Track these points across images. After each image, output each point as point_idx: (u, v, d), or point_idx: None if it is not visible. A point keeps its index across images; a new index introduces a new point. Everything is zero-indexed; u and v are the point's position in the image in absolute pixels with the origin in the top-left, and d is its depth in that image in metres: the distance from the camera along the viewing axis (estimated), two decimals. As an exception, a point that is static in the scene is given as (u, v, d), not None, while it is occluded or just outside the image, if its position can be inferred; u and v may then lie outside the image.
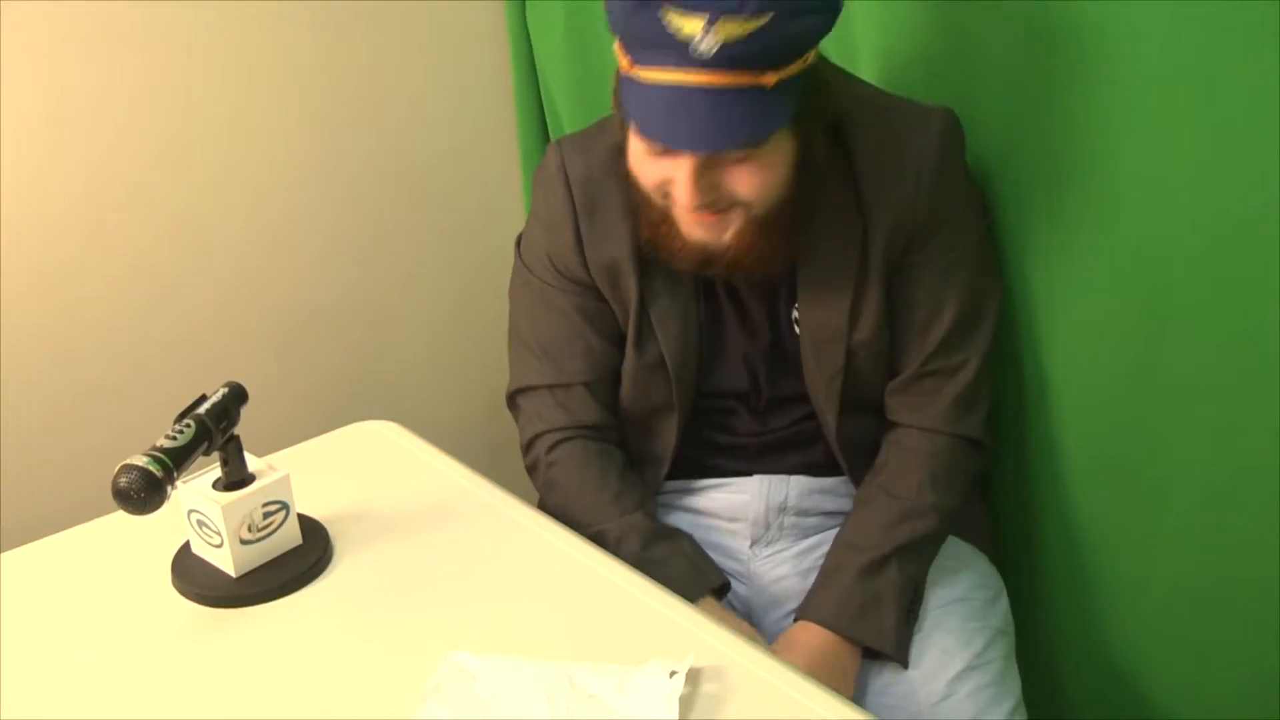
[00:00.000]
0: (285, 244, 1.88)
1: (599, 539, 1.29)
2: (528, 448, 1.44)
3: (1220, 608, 1.26)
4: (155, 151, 1.72)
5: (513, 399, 1.46)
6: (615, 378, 1.40)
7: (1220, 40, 1.06)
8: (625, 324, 1.36)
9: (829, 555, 1.33)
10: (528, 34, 1.95)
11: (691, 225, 1.21)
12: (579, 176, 1.32)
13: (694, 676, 1.05)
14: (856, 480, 1.38)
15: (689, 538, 1.35)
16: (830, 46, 1.22)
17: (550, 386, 1.40)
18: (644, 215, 1.25)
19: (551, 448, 1.40)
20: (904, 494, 1.31)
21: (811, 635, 1.27)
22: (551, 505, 1.40)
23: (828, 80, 1.19)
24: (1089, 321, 1.28)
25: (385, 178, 1.95)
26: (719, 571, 1.33)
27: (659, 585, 1.18)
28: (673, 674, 1.04)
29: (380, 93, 1.91)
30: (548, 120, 2.00)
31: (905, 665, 1.26)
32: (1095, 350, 1.28)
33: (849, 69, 1.34)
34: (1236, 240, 1.11)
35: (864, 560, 1.28)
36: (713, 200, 1.17)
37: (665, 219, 1.22)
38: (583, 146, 1.34)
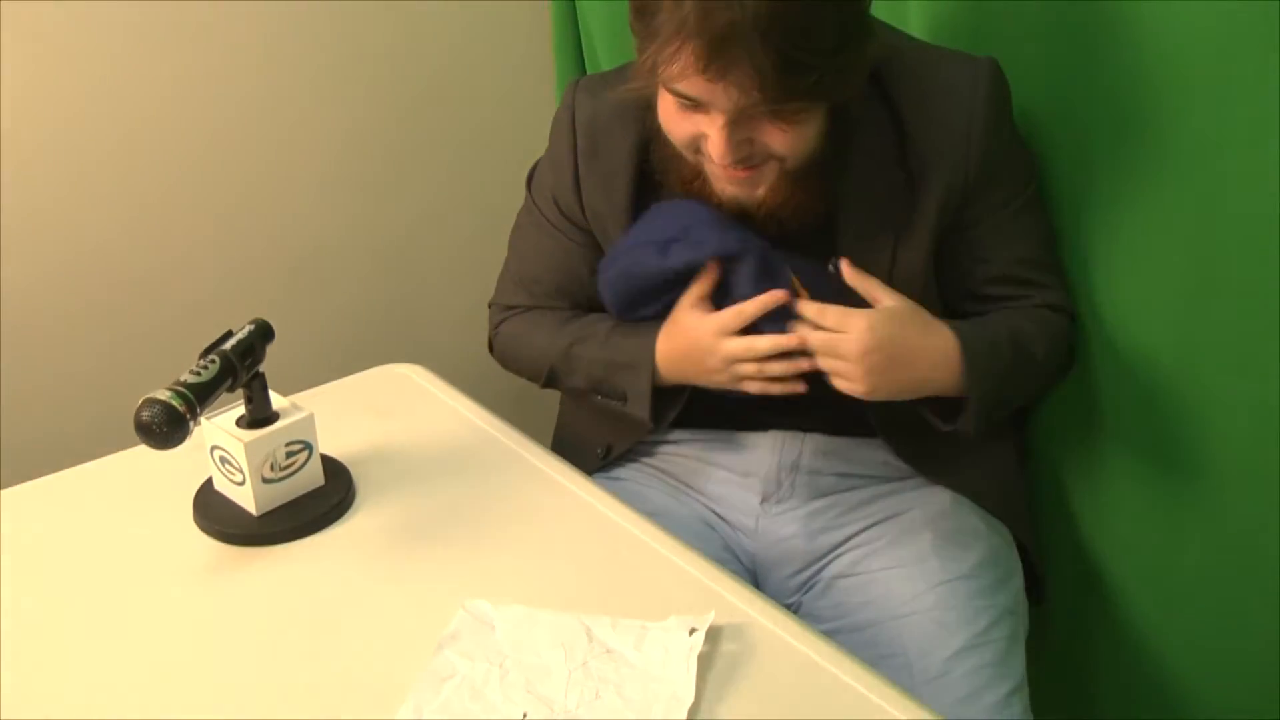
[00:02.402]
0: (317, 184, 1.88)
1: (556, 368, 1.39)
2: (491, 333, 1.51)
3: (1254, 590, 1.24)
4: (186, 92, 1.72)
5: (491, 308, 1.51)
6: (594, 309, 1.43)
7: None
8: None
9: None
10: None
11: (725, 181, 1.19)
12: (585, 119, 1.31)
13: (714, 634, 1.04)
14: (889, 442, 1.36)
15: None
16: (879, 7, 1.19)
17: (525, 306, 1.46)
18: (676, 171, 1.23)
19: (506, 320, 1.47)
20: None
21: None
22: (510, 360, 1.48)
23: (870, 21, 1.16)
24: (1132, 290, 1.26)
25: (416, 118, 1.94)
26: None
27: (679, 540, 1.17)
28: (692, 631, 1.03)
29: (414, 33, 1.89)
30: (585, 61, 1.97)
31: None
32: (1138, 320, 1.26)
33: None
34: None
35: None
36: (746, 155, 1.14)
37: (698, 175, 1.21)
38: (596, 90, 1.33)
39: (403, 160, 1.95)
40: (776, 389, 1.23)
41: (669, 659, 1.00)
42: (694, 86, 1.09)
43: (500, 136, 2.02)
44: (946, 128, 1.22)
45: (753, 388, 1.24)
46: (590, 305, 1.41)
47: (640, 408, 1.32)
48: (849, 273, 1.23)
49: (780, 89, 1.06)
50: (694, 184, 1.22)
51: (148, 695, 1.00)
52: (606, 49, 1.87)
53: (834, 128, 1.17)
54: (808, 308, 1.20)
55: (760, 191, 1.19)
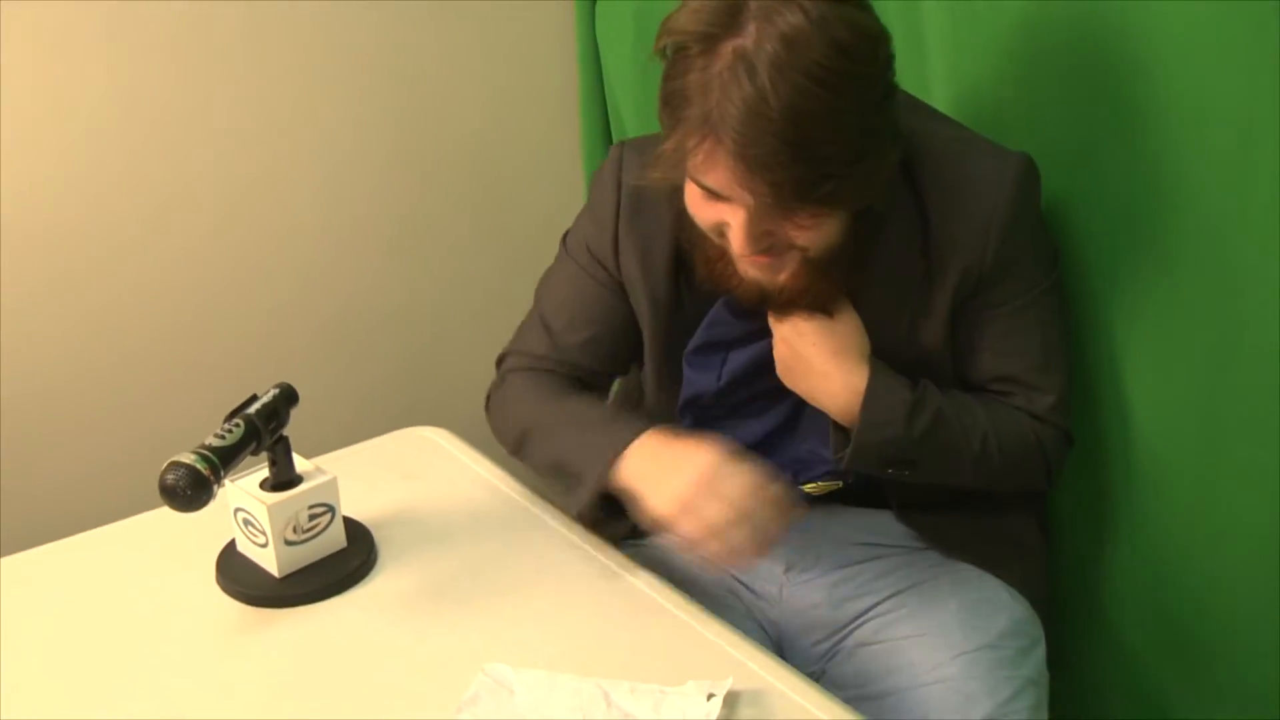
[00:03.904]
0: (342, 246, 1.89)
1: (524, 436, 1.33)
2: (489, 392, 1.44)
3: (1274, 663, 1.23)
4: (212, 150, 1.74)
5: (502, 359, 1.45)
6: (606, 375, 1.42)
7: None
8: (646, 331, 1.35)
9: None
10: (595, 37, 1.94)
11: (747, 265, 1.19)
12: (631, 180, 1.31)
13: (733, 700, 1.03)
14: (904, 518, 1.36)
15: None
16: (903, 78, 1.20)
17: (538, 356, 1.40)
18: (700, 251, 1.23)
19: (508, 375, 1.41)
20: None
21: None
22: (499, 416, 1.40)
23: (896, 122, 1.14)
24: (1155, 354, 1.26)
25: (445, 181, 1.95)
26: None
27: (701, 607, 1.17)
28: (710, 696, 1.02)
29: (444, 95, 1.91)
30: (611, 127, 1.99)
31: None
32: (1159, 394, 1.26)
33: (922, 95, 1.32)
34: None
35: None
36: (768, 246, 1.14)
37: (722, 256, 1.21)
38: (644, 151, 1.32)
39: (427, 224, 1.97)
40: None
41: None
42: (715, 181, 1.09)
43: (525, 198, 2.03)
44: (969, 221, 1.22)
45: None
46: (622, 362, 1.40)
47: (585, 494, 1.25)
48: None
49: (798, 193, 1.06)
50: (718, 264, 1.21)
51: (166, 758, 1.00)
52: (630, 105, 1.89)
53: (859, 221, 1.17)
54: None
55: (782, 277, 1.19)
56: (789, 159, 1.03)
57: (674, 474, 1.17)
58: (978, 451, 1.27)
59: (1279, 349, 1.12)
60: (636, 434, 1.22)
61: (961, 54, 1.38)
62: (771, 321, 1.25)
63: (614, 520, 1.29)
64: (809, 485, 1.33)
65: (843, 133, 1.04)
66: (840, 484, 1.33)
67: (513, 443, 1.37)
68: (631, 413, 1.32)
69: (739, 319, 1.29)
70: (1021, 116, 1.33)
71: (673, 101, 1.08)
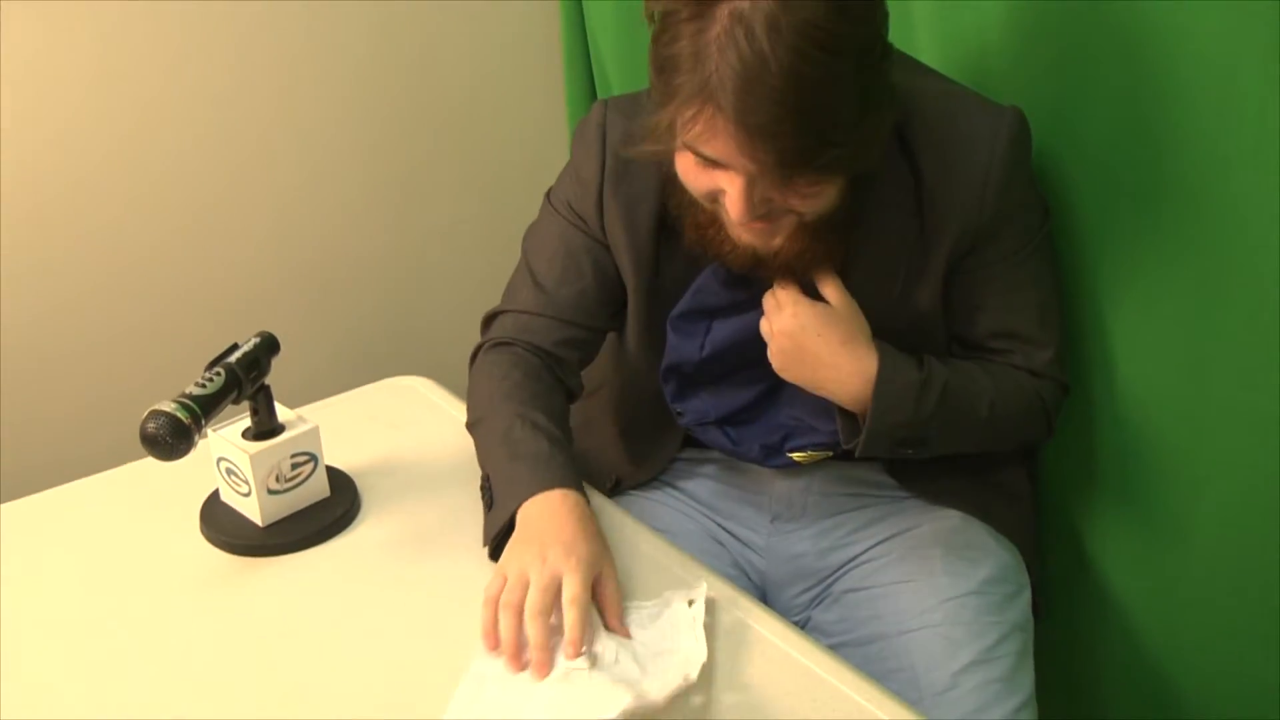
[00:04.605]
0: (324, 196, 1.88)
1: (472, 426, 1.29)
2: (474, 354, 1.40)
3: (1258, 605, 1.23)
4: (197, 103, 1.73)
5: (490, 319, 1.41)
6: (599, 331, 1.38)
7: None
8: (630, 294, 1.33)
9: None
10: (577, -11, 1.92)
11: (741, 231, 1.17)
12: (615, 140, 1.29)
13: (715, 646, 1.04)
14: (891, 469, 1.36)
15: (560, 441, 1.27)
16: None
17: (531, 313, 1.36)
18: (690, 217, 1.21)
19: (491, 348, 1.36)
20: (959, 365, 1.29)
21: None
22: (470, 388, 1.36)
23: (893, 83, 1.11)
24: (1140, 301, 1.25)
25: (427, 132, 1.94)
26: (574, 474, 1.23)
27: (687, 554, 1.17)
28: (690, 603, 1.05)
29: (426, 46, 1.89)
30: (595, 79, 1.97)
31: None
32: (1146, 329, 1.26)
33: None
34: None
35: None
36: (765, 214, 1.13)
37: (714, 222, 1.19)
38: (629, 111, 1.30)
39: (410, 173, 1.96)
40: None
41: (678, 633, 1.03)
42: (715, 150, 1.06)
43: (509, 147, 2.02)
44: (963, 178, 1.20)
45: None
46: (612, 317, 1.39)
47: (491, 525, 1.21)
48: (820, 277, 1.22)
49: (799, 160, 1.04)
50: (709, 230, 1.19)
51: (154, 704, 1.01)
52: (614, 58, 1.87)
53: (854, 183, 1.16)
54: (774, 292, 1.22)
55: (777, 241, 1.17)
56: (791, 126, 1.00)
57: (525, 548, 1.12)
58: (984, 419, 1.27)
59: (1263, 292, 1.12)
60: (544, 488, 1.17)
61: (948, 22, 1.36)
62: (767, 319, 1.22)
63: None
64: (798, 454, 1.33)
65: (844, 96, 1.02)
66: (830, 454, 1.32)
67: (470, 422, 1.32)
68: (565, 460, 1.25)
69: (726, 288, 1.27)
70: (1008, 65, 1.32)
71: (666, 69, 1.05)
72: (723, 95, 1.00)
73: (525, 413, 1.26)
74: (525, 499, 1.16)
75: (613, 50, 1.88)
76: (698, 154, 1.08)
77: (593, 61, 1.96)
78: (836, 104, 1.01)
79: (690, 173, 1.13)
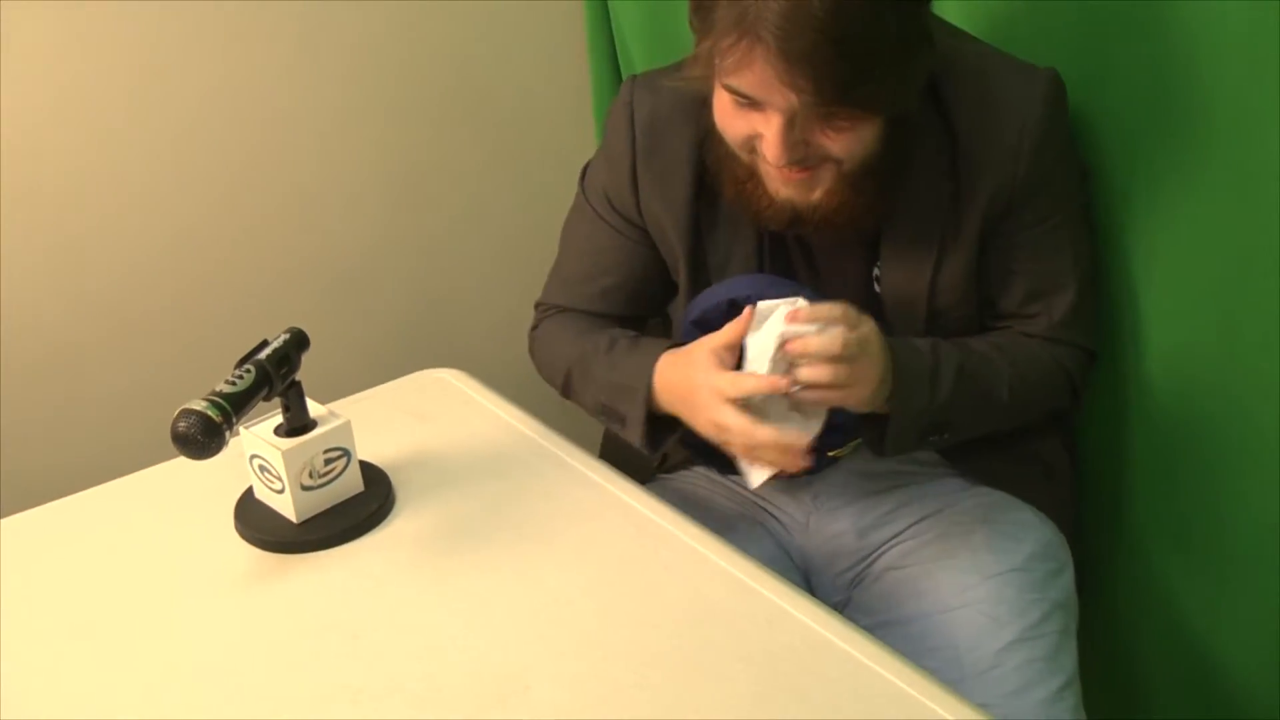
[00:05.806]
0: (353, 189, 1.88)
1: (567, 380, 1.36)
2: (530, 332, 1.48)
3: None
4: (224, 97, 1.72)
5: (537, 305, 1.49)
6: (631, 320, 1.41)
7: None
8: (676, 274, 1.34)
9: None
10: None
11: (779, 183, 1.16)
12: (644, 116, 1.29)
13: (759, 634, 1.03)
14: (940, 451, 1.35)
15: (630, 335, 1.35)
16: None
17: (562, 307, 1.43)
18: (729, 171, 1.21)
19: (542, 320, 1.44)
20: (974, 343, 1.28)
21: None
22: (540, 365, 1.44)
23: (930, 31, 1.12)
24: (1173, 268, 1.24)
25: (453, 121, 1.93)
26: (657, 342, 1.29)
27: (722, 540, 1.16)
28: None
29: (450, 34, 1.88)
30: (620, 63, 1.96)
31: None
32: (1183, 312, 1.24)
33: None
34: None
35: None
36: (802, 157, 1.12)
37: (752, 176, 1.18)
38: (655, 86, 1.31)
39: (438, 164, 1.95)
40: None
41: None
42: (750, 83, 1.07)
43: (536, 136, 2.01)
44: (998, 140, 1.20)
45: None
46: (646, 306, 1.40)
47: (634, 435, 1.27)
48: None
49: (839, 91, 1.04)
50: (747, 185, 1.19)
51: (189, 702, 1.01)
52: (640, 46, 1.86)
53: (892, 134, 1.15)
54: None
55: (816, 194, 1.16)
56: (831, 54, 1.02)
57: (687, 403, 1.17)
58: (1006, 396, 1.26)
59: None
60: (653, 365, 1.22)
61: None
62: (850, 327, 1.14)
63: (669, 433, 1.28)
64: (834, 451, 1.32)
65: (883, 31, 1.03)
66: (860, 440, 1.31)
67: (560, 387, 1.39)
68: (645, 339, 1.31)
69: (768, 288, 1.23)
70: (1037, 29, 1.30)
71: (705, 3, 1.07)
72: (762, 25, 1.02)
73: (598, 338, 1.33)
74: (647, 394, 1.23)
75: (638, 36, 1.87)
76: (735, 92, 1.09)
77: (618, 49, 1.95)
78: (876, 37, 1.03)
79: (727, 116, 1.14)
